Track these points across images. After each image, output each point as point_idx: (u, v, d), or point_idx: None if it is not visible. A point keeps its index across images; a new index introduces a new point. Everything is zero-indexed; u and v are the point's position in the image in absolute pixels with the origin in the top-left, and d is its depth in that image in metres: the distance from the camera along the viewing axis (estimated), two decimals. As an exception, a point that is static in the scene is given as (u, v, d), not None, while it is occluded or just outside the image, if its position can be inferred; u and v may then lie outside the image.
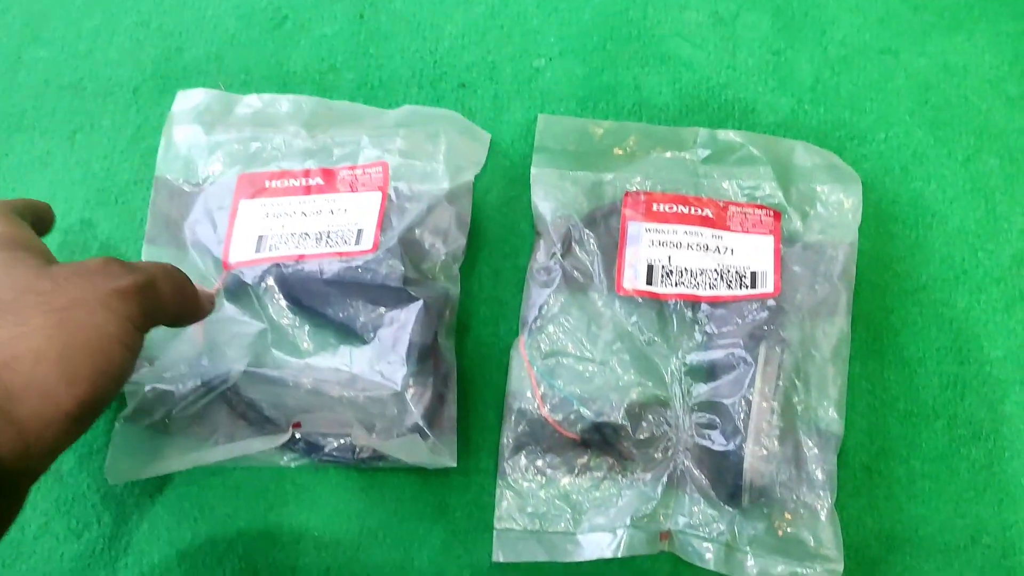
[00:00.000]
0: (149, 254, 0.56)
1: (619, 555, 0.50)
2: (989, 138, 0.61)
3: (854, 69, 0.62)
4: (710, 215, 0.57)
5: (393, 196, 0.56)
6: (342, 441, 0.53)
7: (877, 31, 0.63)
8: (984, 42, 0.63)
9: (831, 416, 0.52)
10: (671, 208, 0.57)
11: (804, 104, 0.62)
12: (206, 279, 0.56)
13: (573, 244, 0.56)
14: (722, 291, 0.55)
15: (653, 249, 0.56)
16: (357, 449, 0.52)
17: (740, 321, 0.54)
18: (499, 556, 0.51)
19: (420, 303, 0.53)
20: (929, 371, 0.56)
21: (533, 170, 0.58)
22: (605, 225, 0.57)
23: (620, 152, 0.59)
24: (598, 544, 0.51)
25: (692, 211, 0.57)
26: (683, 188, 0.58)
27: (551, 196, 0.57)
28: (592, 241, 0.56)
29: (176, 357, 0.52)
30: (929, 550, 0.53)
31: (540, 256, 0.57)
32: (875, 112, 0.61)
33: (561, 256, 0.56)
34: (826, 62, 0.63)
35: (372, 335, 0.53)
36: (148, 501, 0.53)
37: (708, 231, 0.56)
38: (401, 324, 0.53)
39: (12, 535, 0.53)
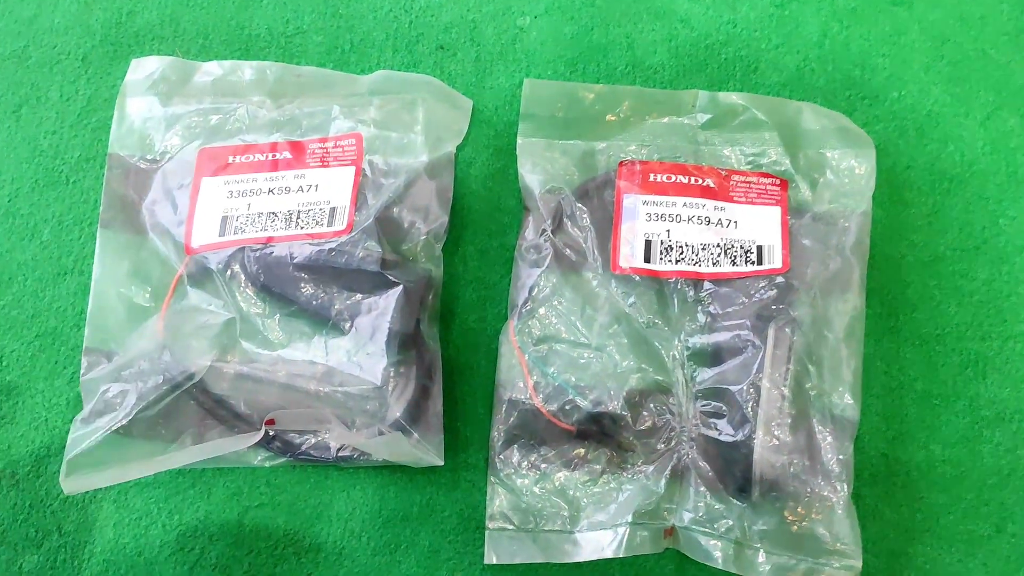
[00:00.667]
0: (104, 239, 0.52)
1: (620, 555, 0.47)
2: (1009, 94, 0.56)
3: (864, 22, 0.58)
4: (712, 185, 0.53)
5: (368, 171, 0.52)
6: (320, 438, 0.49)
7: (888, -20, 0.59)
8: (1003, -9, 0.58)
9: (846, 401, 0.49)
10: (669, 178, 0.53)
11: (811, 62, 0.57)
12: (167, 264, 0.51)
13: (564, 219, 0.52)
14: (726, 268, 0.51)
15: (651, 223, 0.52)
16: (336, 447, 0.49)
17: (746, 300, 0.50)
18: (492, 558, 0.48)
19: (400, 288, 0.48)
20: (948, 349, 0.53)
21: (519, 140, 0.54)
22: (599, 198, 0.53)
23: (613, 118, 0.54)
24: (598, 543, 0.48)
25: (692, 181, 0.53)
26: (682, 156, 0.54)
27: (539, 168, 0.53)
28: (585, 216, 0.52)
29: (135, 353, 0.48)
30: (951, 540, 0.50)
31: (529, 233, 0.53)
32: (887, 69, 0.57)
33: (552, 233, 0.52)
34: (834, 15, 0.58)
35: (349, 324, 0.49)
36: (112, 506, 0.50)
37: (710, 203, 0.52)
38: (380, 311, 0.49)
39: (-35, 547, 0.49)
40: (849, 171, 0.53)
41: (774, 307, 0.49)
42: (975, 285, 0.53)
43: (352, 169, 0.52)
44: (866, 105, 0.56)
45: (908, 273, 0.54)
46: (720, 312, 0.50)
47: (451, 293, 0.53)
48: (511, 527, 0.48)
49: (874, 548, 0.49)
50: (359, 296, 0.49)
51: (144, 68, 0.55)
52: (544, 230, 0.52)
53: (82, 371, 0.49)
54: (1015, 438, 0.51)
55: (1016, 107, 0.56)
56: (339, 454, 0.49)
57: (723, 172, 0.53)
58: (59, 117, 0.56)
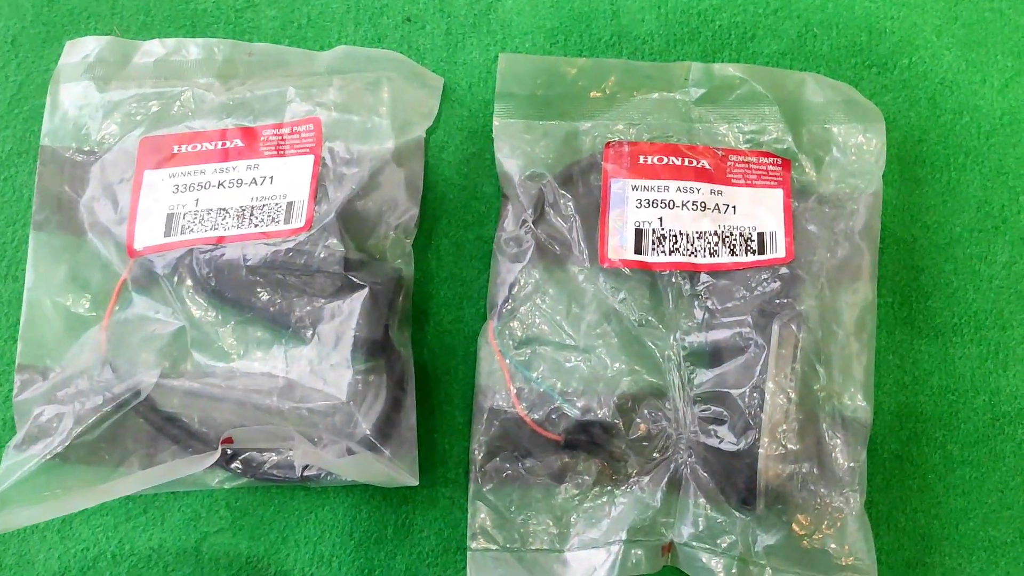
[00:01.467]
0: (38, 243, 0.47)
1: (615, 575, 0.43)
2: (1029, 59, 0.52)
3: (870, -18, 0.54)
4: (707, 167, 0.49)
5: (328, 160, 0.48)
6: (283, 456, 0.45)
7: (895, -65, 0.54)
8: (1021, -56, 0.54)
9: (858, 403, 0.45)
10: (661, 160, 0.49)
11: (812, 27, 0.53)
12: (109, 269, 0.47)
13: (546, 208, 0.49)
14: (725, 258, 0.47)
15: (641, 210, 0.48)
16: (301, 465, 0.45)
17: (747, 294, 0.46)
18: (475, 581, 0.44)
19: (365, 291, 0.45)
20: (966, 340, 0.50)
21: (496, 121, 0.50)
22: (584, 184, 0.49)
23: (598, 95, 0.50)
24: (589, 563, 0.45)
25: (686, 163, 0.49)
26: (674, 135, 0.50)
27: (518, 152, 0.49)
28: (569, 204, 0.48)
29: (74, 370, 0.44)
30: (971, 548, 0.47)
31: (508, 224, 0.49)
32: (896, 33, 0.53)
33: (533, 223, 0.48)
34: (837, -25, 0.54)
35: (311, 332, 0.45)
36: (57, 536, 0.46)
37: (706, 186, 0.48)
38: (344, 317, 0.45)
39: None
40: (857, 148, 0.49)
41: (778, 301, 0.46)
42: (995, 269, 0.50)
43: (311, 158, 0.47)
44: (874, 74, 0.53)
45: (921, 257, 0.50)
46: (719, 308, 0.46)
47: (424, 292, 0.49)
48: (495, 547, 0.45)
49: (889, 559, 0.47)
50: (321, 300, 0.45)
51: (79, 50, 0.50)
52: (525, 220, 0.48)
53: (15, 391, 0.45)
54: (1040, 436, 0.48)
55: (1036, 73, 0.52)
56: (305, 473, 0.45)
57: (719, 152, 0.49)
58: (-14, 106, 0.51)
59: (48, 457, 0.42)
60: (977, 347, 0.49)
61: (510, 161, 0.49)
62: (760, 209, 0.48)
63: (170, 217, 0.47)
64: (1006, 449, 0.48)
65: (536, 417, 0.46)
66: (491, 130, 0.50)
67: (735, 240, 0.47)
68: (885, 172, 0.49)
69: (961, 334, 0.49)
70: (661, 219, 0.48)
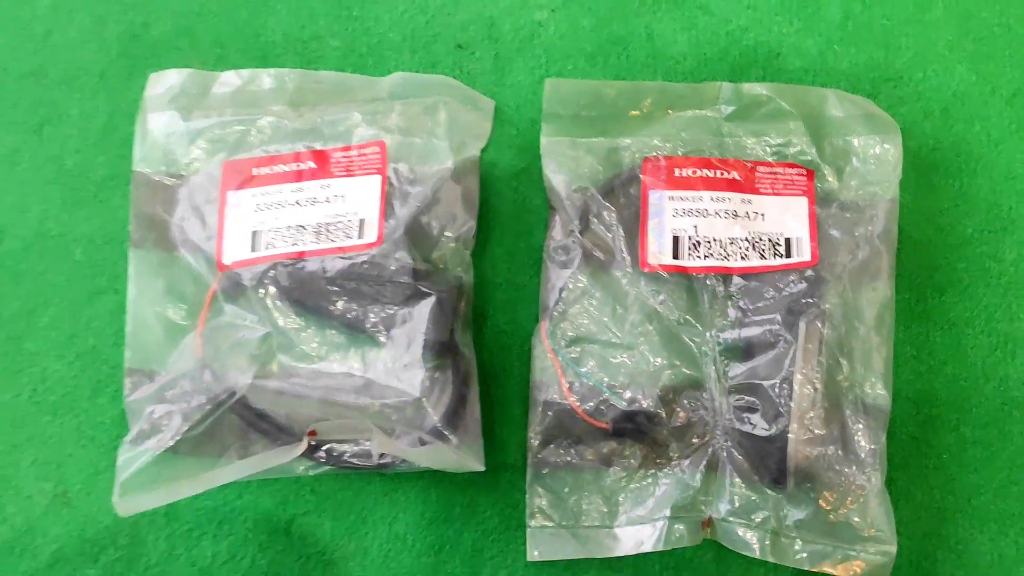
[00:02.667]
0: (137, 259, 0.52)
1: (660, 548, 0.48)
2: (1036, 70, 0.56)
3: (887, 1, 0.57)
4: (737, 178, 0.53)
5: (393, 179, 0.52)
6: (361, 446, 0.50)
7: (910, -44, 0.58)
8: (1027, -39, 0.58)
9: (878, 391, 0.50)
10: (695, 172, 0.53)
11: (833, 44, 0.57)
12: (201, 281, 0.52)
13: (591, 218, 0.53)
14: (755, 262, 0.51)
15: (677, 219, 0.52)
16: (378, 454, 0.50)
17: (776, 294, 0.50)
18: (534, 555, 0.49)
19: (433, 299, 0.49)
20: (978, 331, 0.54)
21: (543, 140, 0.54)
22: (625, 195, 0.53)
23: (636, 114, 0.54)
24: (637, 537, 0.49)
25: (718, 174, 0.53)
26: (707, 149, 0.54)
27: (564, 167, 0.53)
28: (611, 214, 0.52)
29: (177, 373, 0.49)
30: (983, 520, 0.51)
31: (556, 233, 0.53)
32: (911, 49, 0.57)
33: (579, 233, 0.52)
34: (856, -6, 0.58)
35: (384, 336, 0.50)
36: (162, 520, 0.51)
37: (736, 196, 0.52)
38: (414, 322, 0.49)
39: (25, 564, 0.51)
40: (876, 158, 0.53)
41: (804, 300, 0.50)
42: (1003, 266, 0.54)
43: (378, 178, 0.52)
44: (890, 87, 0.56)
45: (936, 256, 0.54)
46: (750, 307, 0.51)
47: (482, 297, 0.54)
48: (551, 524, 0.50)
49: (907, 530, 0.51)
50: (393, 308, 0.50)
51: (163, 82, 0.55)
52: (572, 230, 0.53)
53: (126, 392, 0.50)
54: (1045, 418, 0.52)
55: (1043, 83, 0.56)
56: (381, 461, 0.50)
57: (748, 164, 0.53)
58: (81, 135, 0.56)
59: (160, 450, 0.48)
60: (988, 338, 0.53)
61: (557, 176, 0.53)
62: (787, 216, 0.52)
63: (255, 234, 0.52)
64: (1014, 430, 0.52)
65: (586, 408, 0.50)
66: (539, 147, 0.54)
67: (764, 245, 0.52)
68: (902, 179, 0.53)
69: (973, 326, 0.53)
70: (696, 227, 0.52)
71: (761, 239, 0.52)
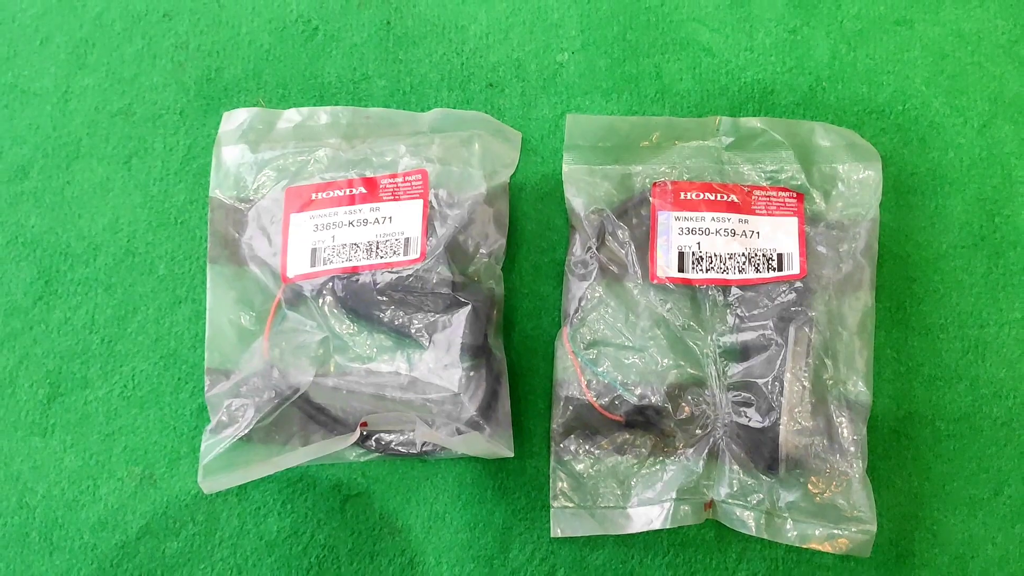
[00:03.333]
0: (214, 273, 0.60)
1: (667, 526, 0.54)
2: (1004, 104, 0.62)
3: (870, 42, 0.64)
4: (736, 200, 0.59)
5: (434, 203, 0.59)
6: (406, 436, 0.57)
7: (891, 2, 0.64)
8: (996, 7, 0.64)
9: (859, 388, 0.56)
10: (698, 195, 0.59)
11: (822, 82, 0.63)
12: (267, 292, 0.59)
13: (607, 236, 0.59)
14: (750, 274, 0.58)
15: (683, 237, 0.59)
16: (420, 443, 0.57)
17: (769, 303, 0.57)
18: (557, 532, 0.56)
19: (469, 308, 0.56)
20: (951, 336, 0.59)
21: (564, 168, 0.61)
22: (636, 216, 0.60)
23: (647, 144, 0.61)
24: (647, 517, 0.55)
25: (718, 197, 0.59)
26: (708, 175, 0.60)
27: (583, 191, 0.60)
28: (624, 232, 0.59)
29: (248, 372, 0.57)
30: (955, 504, 0.57)
31: (576, 250, 0.60)
32: (892, 85, 0.63)
33: (596, 249, 0.59)
34: (842, 37, 0.64)
35: (427, 339, 0.57)
36: (234, 499, 0.59)
37: (735, 216, 0.59)
38: (453, 328, 0.56)
39: (116, 537, 0.58)
40: (859, 182, 0.60)
41: (794, 309, 0.56)
42: (975, 278, 0.60)
43: (420, 202, 0.59)
44: (873, 119, 0.63)
45: (914, 270, 0.60)
46: (746, 314, 0.57)
47: (511, 305, 0.61)
48: (572, 505, 0.56)
49: (888, 513, 0.57)
50: (434, 315, 0.57)
51: (234, 119, 0.62)
52: (589, 247, 0.59)
53: (206, 388, 0.57)
54: (1011, 413, 0.58)
55: (1010, 115, 0.62)
56: (423, 449, 0.57)
57: (746, 188, 0.60)
58: (164, 166, 0.64)
59: (237, 438, 0.55)
60: (960, 342, 0.59)
61: (577, 199, 0.60)
62: (779, 234, 0.59)
63: (314, 252, 0.59)
64: (984, 424, 0.57)
65: (602, 403, 0.56)
66: (560, 173, 0.61)
67: (759, 260, 0.58)
68: (883, 200, 0.59)
69: (947, 332, 0.59)
70: (699, 243, 0.59)
71: (756, 254, 0.58)
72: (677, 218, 0.59)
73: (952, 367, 0.59)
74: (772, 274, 0.58)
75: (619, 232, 0.59)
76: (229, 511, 0.59)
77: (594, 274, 0.59)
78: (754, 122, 0.60)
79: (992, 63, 0.63)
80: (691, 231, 0.59)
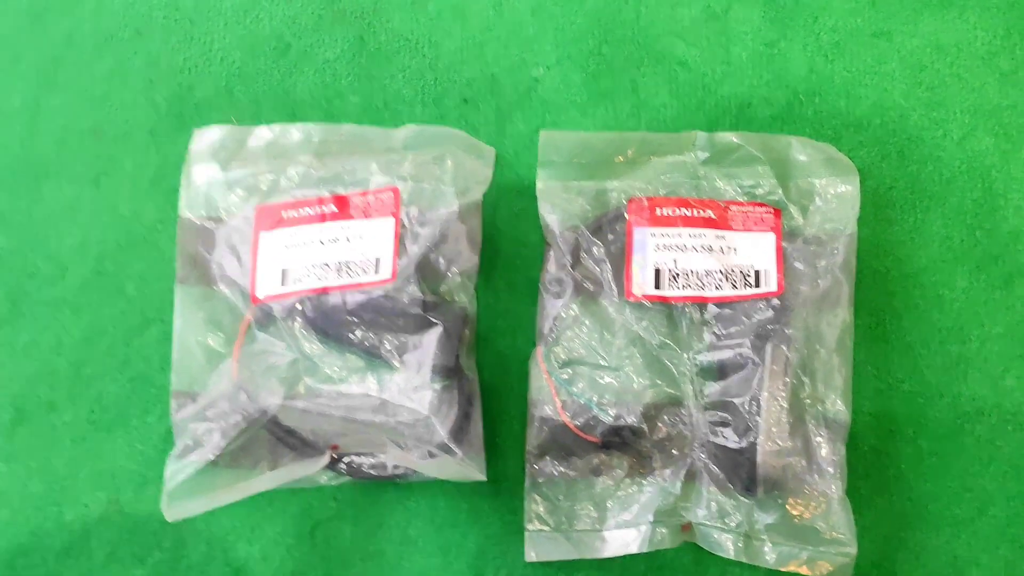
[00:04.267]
0: (182, 294, 0.59)
1: (644, 549, 0.53)
2: (983, 115, 0.62)
3: (847, 55, 0.63)
4: (712, 216, 0.59)
5: (406, 221, 0.59)
6: (377, 459, 0.56)
7: (869, 14, 0.64)
8: (975, 18, 0.63)
9: (838, 407, 0.55)
10: (674, 211, 0.59)
11: (799, 95, 0.63)
12: (236, 312, 0.58)
13: (582, 254, 0.58)
14: (727, 291, 0.57)
15: (659, 253, 0.58)
16: (392, 466, 0.56)
17: (747, 321, 0.56)
18: (531, 556, 0.55)
19: (440, 328, 0.55)
20: (932, 352, 0.58)
21: (539, 184, 0.60)
22: (612, 232, 0.59)
23: (622, 160, 0.60)
24: (624, 540, 0.54)
25: (695, 213, 0.59)
26: (685, 191, 0.59)
27: (558, 208, 0.59)
28: (600, 249, 0.58)
29: (216, 394, 0.56)
30: (938, 524, 0.56)
31: (551, 267, 0.59)
32: (870, 98, 0.62)
33: (571, 267, 0.58)
34: (819, 50, 0.63)
35: (398, 360, 0.56)
36: (202, 525, 0.58)
37: (711, 232, 0.58)
38: (424, 349, 0.55)
39: (81, 564, 0.57)
40: (836, 197, 0.59)
41: (771, 327, 0.56)
42: (955, 293, 0.59)
43: (391, 220, 0.59)
44: (851, 133, 0.62)
45: (894, 285, 0.59)
46: (724, 333, 0.56)
47: (485, 323, 0.60)
48: (547, 528, 0.55)
49: (869, 534, 0.56)
50: (405, 336, 0.56)
51: (205, 138, 0.61)
52: (564, 264, 0.58)
53: (172, 412, 0.56)
54: (993, 430, 0.57)
55: (989, 127, 0.61)
56: (395, 472, 0.56)
57: (722, 204, 0.59)
58: (134, 185, 0.63)
59: (203, 463, 0.54)
60: (941, 358, 0.58)
61: (551, 216, 0.59)
62: (756, 250, 0.58)
63: (284, 272, 0.58)
64: (967, 442, 0.57)
65: (578, 423, 0.55)
66: (534, 190, 0.60)
67: (736, 276, 0.57)
68: (862, 214, 0.58)
69: (928, 347, 0.58)
70: (676, 260, 0.58)
71: (733, 271, 0.57)
72: (653, 234, 0.58)
73: (933, 384, 0.58)
74: (749, 291, 0.57)
75: (594, 249, 0.58)
76: (196, 537, 0.57)
77: (569, 292, 0.58)
78: (730, 137, 0.60)
79: (971, 75, 0.62)
80: (667, 247, 0.58)
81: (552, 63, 0.64)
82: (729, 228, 0.58)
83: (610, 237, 0.59)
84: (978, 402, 0.57)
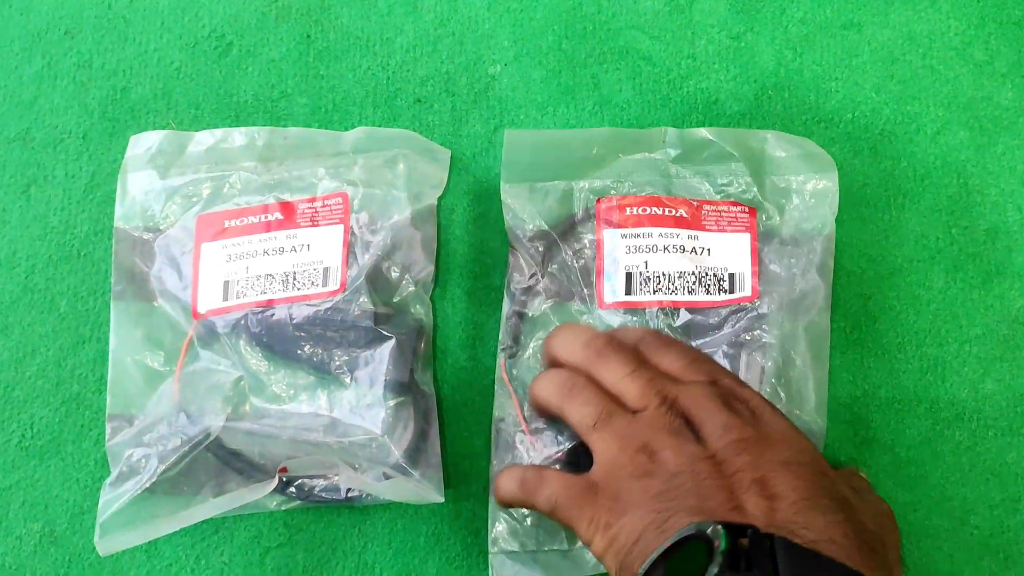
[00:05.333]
0: (118, 311, 0.55)
1: (614, 570, 0.50)
2: (958, 108, 0.59)
3: (817, 48, 0.61)
4: (684, 215, 0.56)
5: (355, 228, 0.56)
6: (330, 481, 0.53)
7: (838, 5, 0.61)
8: (948, 7, 0.61)
9: (813, 417, 0.53)
10: (644, 210, 0.56)
11: (768, 90, 0.60)
12: (178, 329, 0.55)
13: (549, 259, 0.56)
14: (700, 296, 0.54)
15: (630, 256, 0.55)
16: (345, 488, 0.53)
17: (719, 328, 0.54)
18: (497, 580, 0.52)
19: (392, 341, 0.52)
20: (909, 356, 0.56)
21: (503, 186, 0.57)
22: (580, 235, 0.56)
23: (589, 158, 0.57)
24: (593, 559, 0.51)
25: (666, 212, 0.56)
26: (655, 189, 0.57)
27: (524, 211, 0.56)
28: (568, 254, 0.56)
29: (154, 416, 0.52)
30: (918, 536, 0.54)
31: (515, 274, 0.56)
32: (841, 92, 0.60)
33: (540, 274, 0.55)
34: (787, 43, 0.61)
35: (348, 377, 0.53)
36: (144, 556, 0.54)
37: (683, 232, 0.56)
38: (376, 364, 0.52)
39: (14, 601, 0.54)
40: (814, 195, 0.56)
41: (745, 335, 0.53)
42: (932, 294, 0.57)
43: (340, 227, 0.56)
44: (822, 128, 0.59)
45: (868, 286, 0.57)
46: (695, 340, 0.54)
47: (444, 334, 0.57)
48: (513, 550, 0.52)
49: (849, 548, 0.53)
50: (356, 350, 0.53)
51: (142, 143, 0.58)
52: (534, 274, 0.55)
53: (107, 437, 0.53)
54: (974, 436, 0.55)
55: (965, 121, 0.59)
56: (349, 495, 0.53)
57: (695, 203, 0.56)
58: (66, 194, 0.59)
59: (139, 492, 0.50)
60: (918, 362, 0.56)
61: (516, 220, 0.56)
62: (731, 251, 0.55)
63: (226, 284, 0.55)
64: (945, 449, 0.54)
65: (543, 439, 0.53)
66: (494, 191, 0.57)
67: (709, 280, 0.55)
68: (836, 213, 0.57)
69: (904, 351, 0.56)
70: (647, 262, 0.55)
71: (707, 274, 0.55)
72: (624, 235, 0.56)
73: (911, 389, 0.55)
74: (723, 296, 0.54)
75: (562, 254, 0.56)
76: (137, 569, 0.54)
77: (537, 299, 0.55)
78: (703, 132, 0.57)
79: (945, 66, 0.60)
80: (638, 249, 0.55)
81: (510, 60, 0.61)
82: (702, 228, 0.56)
83: (578, 240, 0.57)
84: (957, 407, 0.55)
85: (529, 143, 0.57)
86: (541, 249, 0.56)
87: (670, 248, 0.55)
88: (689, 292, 0.54)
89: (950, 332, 0.56)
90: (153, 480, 0.51)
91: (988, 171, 0.58)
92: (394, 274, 0.55)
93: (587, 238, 0.56)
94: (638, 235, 0.56)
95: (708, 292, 0.55)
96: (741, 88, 0.60)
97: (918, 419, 0.55)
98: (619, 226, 0.56)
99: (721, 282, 0.55)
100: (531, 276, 0.56)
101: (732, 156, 0.57)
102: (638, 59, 0.61)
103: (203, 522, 0.54)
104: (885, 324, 0.56)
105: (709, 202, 0.57)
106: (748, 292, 0.54)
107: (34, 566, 0.54)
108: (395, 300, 0.55)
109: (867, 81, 0.60)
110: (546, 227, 0.56)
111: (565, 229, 0.56)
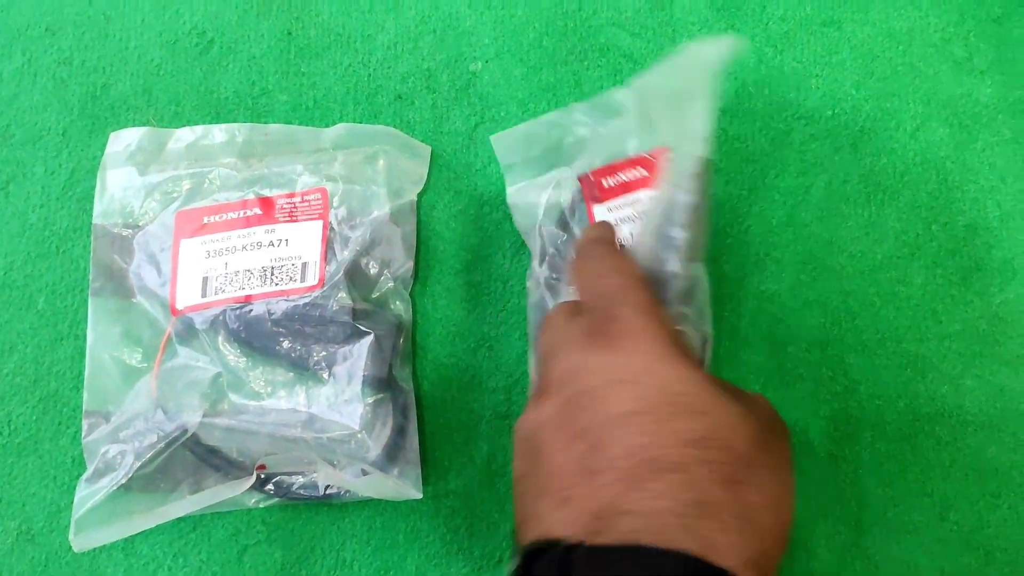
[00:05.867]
0: (95, 307, 0.55)
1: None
2: (937, 105, 0.59)
3: (797, 45, 0.61)
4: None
5: (334, 224, 0.55)
6: (308, 478, 0.53)
7: (819, 2, 0.61)
8: (927, 4, 0.61)
9: None
10: (617, 179, 0.55)
11: (748, 87, 0.60)
12: (156, 325, 0.55)
13: (550, 252, 0.55)
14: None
15: (622, 227, 0.54)
16: (324, 485, 0.52)
17: None
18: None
19: (371, 337, 0.52)
20: (889, 352, 0.56)
21: (509, 189, 0.57)
22: (574, 222, 0.55)
23: (571, 140, 0.57)
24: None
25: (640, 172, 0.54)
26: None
27: (530, 211, 0.56)
28: (568, 244, 0.55)
29: (131, 413, 0.52)
30: (898, 531, 0.53)
31: (530, 271, 0.56)
32: (821, 89, 0.60)
33: (549, 272, 0.54)
34: (768, 40, 0.61)
35: (327, 373, 0.53)
36: (121, 554, 0.54)
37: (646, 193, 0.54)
38: (354, 360, 0.52)
39: (-10, 600, 0.53)
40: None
41: None
42: (911, 290, 0.57)
43: (319, 223, 0.55)
44: (802, 125, 0.59)
45: (848, 283, 0.57)
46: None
47: (423, 330, 0.57)
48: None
49: (828, 543, 0.53)
50: (334, 346, 0.53)
51: (122, 140, 0.58)
52: (539, 266, 0.55)
53: (83, 434, 0.53)
54: (953, 431, 0.54)
55: (944, 118, 0.59)
56: (327, 492, 0.53)
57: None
58: (45, 191, 0.59)
59: (114, 488, 0.50)
60: (898, 358, 0.55)
61: (524, 220, 0.56)
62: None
63: (205, 280, 0.55)
64: (925, 444, 0.54)
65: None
66: (474, 187, 0.57)
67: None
68: (816, 209, 0.57)
69: (884, 347, 0.56)
70: (631, 234, 0.53)
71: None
72: (609, 209, 0.54)
73: (891, 385, 0.55)
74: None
75: (562, 246, 0.55)
76: (115, 567, 0.54)
77: (539, 295, 0.55)
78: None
79: (924, 63, 0.60)
80: (624, 220, 0.54)
81: (491, 56, 0.61)
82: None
83: (574, 229, 0.56)
84: (937, 403, 0.55)
85: (514, 140, 0.57)
86: (540, 245, 0.55)
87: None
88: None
89: (930, 328, 0.56)
90: (129, 476, 0.50)
91: (967, 167, 0.58)
92: (373, 270, 0.55)
93: (582, 224, 0.55)
94: (618, 205, 0.54)
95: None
96: (722, 85, 0.60)
97: (898, 415, 0.55)
98: (603, 201, 0.55)
99: None
100: (542, 272, 0.55)
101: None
102: (619, 56, 0.61)
103: (181, 520, 0.54)
104: (865, 320, 0.56)
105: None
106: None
107: (11, 564, 0.54)
108: (374, 296, 0.55)
109: (847, 78, 0.60)
110: (545, 221, 0.55)
111: (563, 221, 0.55)
